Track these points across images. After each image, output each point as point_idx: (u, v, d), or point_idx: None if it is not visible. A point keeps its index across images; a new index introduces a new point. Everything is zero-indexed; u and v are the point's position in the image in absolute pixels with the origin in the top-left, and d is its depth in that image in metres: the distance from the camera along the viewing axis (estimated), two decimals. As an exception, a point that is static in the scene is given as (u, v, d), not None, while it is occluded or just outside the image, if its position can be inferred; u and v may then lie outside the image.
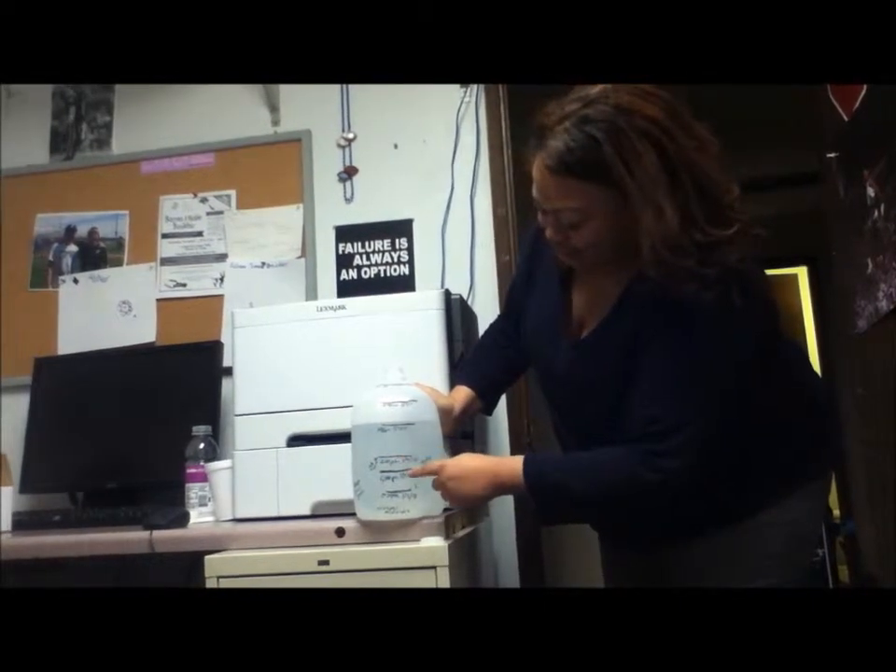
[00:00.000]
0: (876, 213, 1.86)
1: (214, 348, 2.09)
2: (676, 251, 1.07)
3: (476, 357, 1.60)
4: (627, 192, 1.07)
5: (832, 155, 2.14)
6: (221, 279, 2.29)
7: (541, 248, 1.35)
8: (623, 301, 1.21)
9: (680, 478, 1.15)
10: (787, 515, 1.22)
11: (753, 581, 1.20)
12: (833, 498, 4.40)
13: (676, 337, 1.14)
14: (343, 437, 1.45)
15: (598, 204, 1.11)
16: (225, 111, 2.36)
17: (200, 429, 1.79)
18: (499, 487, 1.29)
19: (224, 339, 2.11)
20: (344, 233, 2.27)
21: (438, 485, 1.32)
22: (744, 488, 1.22)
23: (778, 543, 1.22)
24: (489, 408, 1.57)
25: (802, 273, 4.60)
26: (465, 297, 2.02)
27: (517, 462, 1.26)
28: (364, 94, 2.30)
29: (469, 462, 1.32)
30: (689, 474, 1.15)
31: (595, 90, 1.11)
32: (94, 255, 2.38)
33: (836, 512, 4.37)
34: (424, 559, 1.33)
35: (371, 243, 2.25)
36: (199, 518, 1.69)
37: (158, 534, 1.53)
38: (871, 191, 1.88)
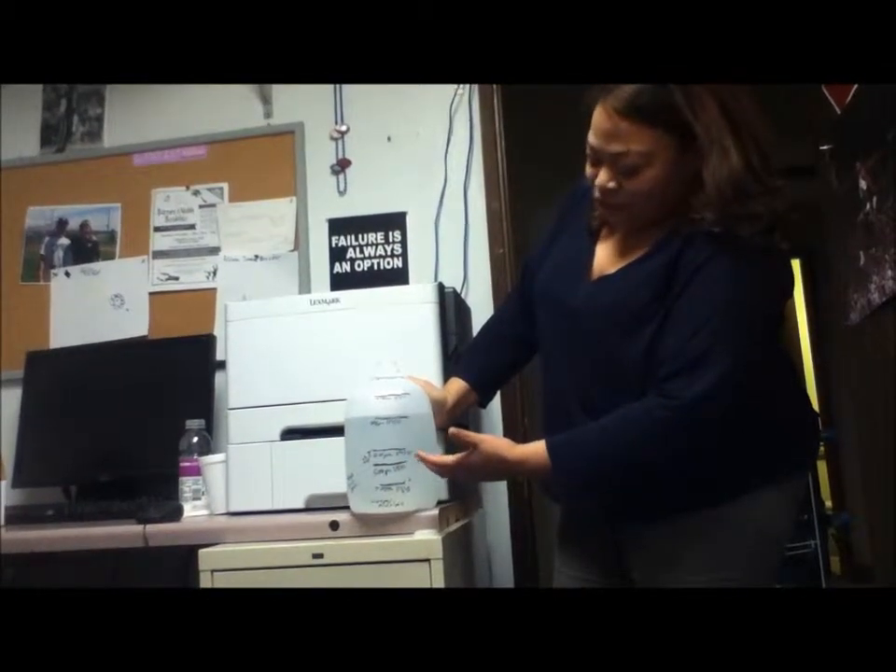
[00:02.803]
0: (869, 205, 1.86)
1: (207, 342, 2.08)
2: (737, 192, 1.12)
3: (474, 349, 1.58)
4: (694, 135, 1.12)
5: (825, 148, 2.14)
6: (214, 272, 2.28)
7: (573, 210, 1.38)
8: (663, 241, 1.21)
9: (705, 410, 1.13)
10: (756, 511, 1.21)
11: (715, 571, 1.19)
12: (826, 490, 4.42)
13: (719, 271, 1.15)
14: (336, 430, 1.45)
15: (660, 151, 1.15)
16: (217, 103, 2.34)
17: (193, 423, 1.79)
18: (520, 475, 1.32)
19: (217, 332, 2.10)
20: (338, 226, 2.26)
21: (462, 462, 1.29)
22: (716, 475, 1.19)
23: (744, 538, 1.20)
24: (484, 401, 1.55)
25: (796, 265, 4.61)
26: (458, 290, 2.02)
27: (542, 456, 1.23)
28: (357, 87, 2.29)
29: (502, 452, 1.27)
30: (716, 409, 1.13)
31: None
32: (86, 248, 2.37)
33: (829, 504, 4.39)
34: (417, 552, 1.34)
35: (365, 236, 2.25)
36: (193, 512, 1.69)
37: (151, 528, 1.53)
38: (863, 184, 1.88)
